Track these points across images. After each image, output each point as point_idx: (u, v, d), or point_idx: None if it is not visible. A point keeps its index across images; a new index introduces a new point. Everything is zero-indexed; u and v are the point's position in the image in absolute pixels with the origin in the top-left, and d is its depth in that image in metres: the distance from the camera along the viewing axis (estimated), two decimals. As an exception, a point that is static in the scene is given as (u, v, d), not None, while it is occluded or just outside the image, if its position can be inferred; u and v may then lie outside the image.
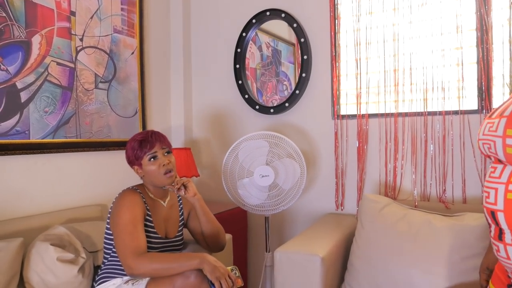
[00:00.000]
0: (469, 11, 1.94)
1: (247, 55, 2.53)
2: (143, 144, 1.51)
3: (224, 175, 2.07)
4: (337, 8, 2.25)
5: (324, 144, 2.29)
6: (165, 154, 1.55)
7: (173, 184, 1.54)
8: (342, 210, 2.24)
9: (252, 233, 2.53)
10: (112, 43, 2.21)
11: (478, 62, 1.92)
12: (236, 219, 2.36)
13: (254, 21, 2.46)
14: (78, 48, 2.02)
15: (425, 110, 2.02)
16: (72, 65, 1.98)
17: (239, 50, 2.51)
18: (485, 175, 1.89)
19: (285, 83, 2.48)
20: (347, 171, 2.22)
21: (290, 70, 2.47)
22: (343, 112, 2.25)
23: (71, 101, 1.97)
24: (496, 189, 0.88)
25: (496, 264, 1.03)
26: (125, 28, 2.29)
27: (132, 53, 2.34)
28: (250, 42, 2.52)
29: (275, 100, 2.47)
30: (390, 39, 2.11)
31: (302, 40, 2.31)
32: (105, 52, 2.16)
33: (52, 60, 1.88)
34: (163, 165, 1.50)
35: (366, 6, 2.16)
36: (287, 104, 2.37)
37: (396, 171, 2.09)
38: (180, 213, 1.67)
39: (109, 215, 1.48)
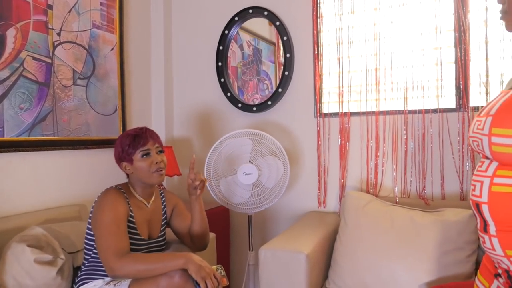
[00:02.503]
0: (448, 12, 1.99)
1: (229, 54, 2.52)
2: (136, 140, 1.47)
3: (207, 173, 2.05)
4: (320, 7, 2.26)
5: (307, 142, 2.30)
6: (158, 152, 1.52)
7: (194, 184, 1.54)
8: (324, 207, 2.26)
9: (235, 232, 2.51)
10: (91, 39, 2.15)
11: (456, 62, 1.97)
12: (219, 218, 2.34)
13: (236, 18, 2.45)
14: (56, 43, 1.95)
15: (405, 109, 2.06)
16: (49, 60, 1.91)
17: (221, 47, 2.49)
18: (463, 171, 1.94)
19: (266, 82, 2.48)
20: (329, 169, 2.24)
21: (271, 69, 2.47)
22: (325, 110, 2.27)
23: (48, 97, 1.91)
24: (481, 182, 0.90)
25: (484, 255, 1.05)
26: (104, 23, 2.23)
27: (112, 49, 2.28)
28: (232, 40, 2.51)
29: (256, 99, 2.46)
30: (371, 39, 2.14)
31: (285, 38, 2.32)
32: (83, 47, 2.10)
33: (28, 55, 1.81)
34: (156, 163, 1.47)
35: (348, 5, 2.18)
36: (269, 103, 2.36)
37: (377, 168, 2.12)
38: (163, 212, 1.63)
39: (90, 215, 1.43)
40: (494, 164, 0.89)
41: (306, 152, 2.31)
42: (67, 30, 2.01)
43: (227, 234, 2.44)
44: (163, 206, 1.64)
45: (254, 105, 2.42)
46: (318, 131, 2.25)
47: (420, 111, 2.03)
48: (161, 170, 1.48)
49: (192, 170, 1.56)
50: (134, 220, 1.46)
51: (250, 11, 2.40)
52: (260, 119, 2.43)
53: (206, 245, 1.68)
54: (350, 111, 2.18)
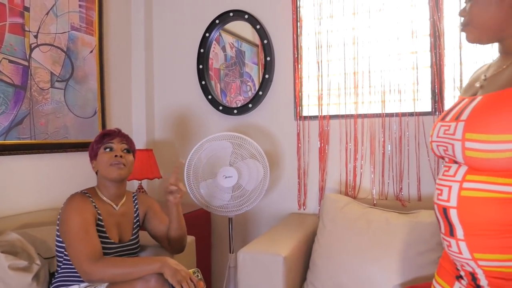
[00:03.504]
0: (423, 17, 2.03)
1: (211, 56, 2.52)
2: (104, 136, 1.52)
3: (187, 176, 2.05)
4: (299, 11, 2.29)
5: (287, 145, 2.32)
6: (123, 150, 1.52)
7: (169, 188, 1.53)
8: (304, 209, 2.28)
9: (216, 234, 2.52)
10: (70, 41, 2.13)
11: (431, 66, 2.01)
12: (200, 221, 2.34)
13: (217, 21, 2.45)
14: (33, 46, 1.93)
15: (383, 112, 2.09)
16: (25, 63, 1.89)
17: (202, 50, 2.49)
18: (438, 173, 1.99)
19: (249, 84, 2.49)
20: (309, 171, 2.26)
21: (254, 71, 2.48)
22: (305, 113, 2.29)
23: (24, 100, 1.88)
24: (450, 187, 0.90)
25: (441, 257, 1.07)
26: (83, 25, 2.21)
27: (91, 51, 2.26)
28: (214, 42, 2.51)
29: (239, 101, 2.47)
30: (350, 43, 2.17)
31: (265, 41, 2.33)
32: (61, 50, 2.08)
33: (3, 58, 1.79)
34: (115, 156, 1.47)
35: (327, 9, 2.21)
36: (250, 105, 2.38)
37: (356, 170, 2.15)
38: (135, 215, 1.62)
39: (58, 222, 1.42)
40: (463, 168, 0.90)
41: (286, 155, 2.33)
42: (45, 32, 1.99)
43: (208, 236, 2.44)
44: (135, 209, 1.62)
45: (235, 108, 2.43)
46: (298, 134, 2.27)
47: (397, 115, 2.07)
48: (119, 164, 1.46)
49: (174, 175, 1.56)
50: (103, 223, 1.45)
51: (231, 14, 2.41)
52: (241, 122, 2.44)
53: (184, 248, 1.68)
54: (329, 114, 2.21)
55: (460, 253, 0.91)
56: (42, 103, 1.97)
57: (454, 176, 0.91)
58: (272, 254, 1.59)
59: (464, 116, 0.89)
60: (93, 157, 1.54)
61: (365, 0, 2.13)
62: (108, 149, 1.50)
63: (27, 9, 1.90)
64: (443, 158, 0.99)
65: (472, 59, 1.94)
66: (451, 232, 0.92)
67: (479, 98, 0.90)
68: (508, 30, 0.89)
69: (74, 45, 2.16)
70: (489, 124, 0.82)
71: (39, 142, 1.95)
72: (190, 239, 1.87)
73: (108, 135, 1.52)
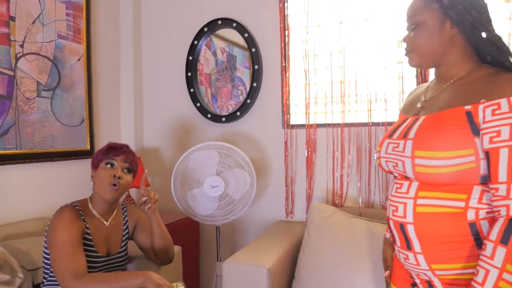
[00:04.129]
0: (409, 27, 2.04)
1: (201, 61, 2.53)
2: (110, 150, 1.50)
3: (174, 185, 2.05)
4: (287, 19, 2.29)
5: (275, 153, 2.33)
6: (124, 170, 1.51)
7: (140, 199, 1.53)
8: (292, 217, 2.29)
9: (204, 243, 2.52)
10: (56, 49, 2.13)
11: (417, 76, 2.03)
12: (188, 229, 2.35)
13: (206, 29, 2.46)
14: (18, 55, 1.92)
15: (369, 121, 2.11)
16: (11, 72, 1.88)
17: (190, 58, 2.50)
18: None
19: (240, 88, 2.49)
20: (296, 180, 2.27)
21: (245, 75, 2.48)
22: (292, 121, 2.30)
23: (10, 110, 1.88)
24: (405, 204, 0.97)
25: (393, 265, 1.13)
26: (70, 33, 2.21)
27: (79, 59, 2.26)
28: (204, 47, 2.51)
29: (230, 106, 2.47)
30: (337, 52, 2.18)
31: (253, 50, 2.34)
32: (48, 58, 2.08)
33: (-12, 68, 1.78)
34: (114, 175, 1.46)
35: (314, 18, 2.22)
36: (238, 113, 2.38)
37: (343, 179, 2.16)
38: (125, 227, 1.62)
39: (46, 233, 1.42)
40: (414, 185, 0.97)
41: (274, 163, 2.34)
42: (31, 41, 1.98)
43: (196, 245, 2.45)
44: (124, 221, 1.63)
45: (223, 116, 2.43)
46: (286, 142, 2.28)
47: (383, 124, 2.08)
48: (115, 185, 1.45)
49: (142, 186, 1.56)
50: (90, 237, 1.45)
51: (219, 22, 2.42)
52: (229, 130, 2.45)
53: (171, 259, 1.68)
54: (317, 122, 2.22)
55: (418, 264, 0.97)
56: (28, 113, 1.96)
57: (407, 193, 0.97)
58: (256, 266, 1.60)
59: (411, 135, 0.97)
60: (94, 166, 1.51)
61: (351, 9, 2.14)
62: (109, 165, 1.47)
63: (12, 18, 1.89)
64: (391, 173, 1.06)
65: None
66: (408, 245, 0.97)
67: (422, 118, 0.99)
68: (445, 58, 1.00)
69: (61, 53, 2.15)
70: (435, 142, 0.91)
71: (25, 152, 1.94)
72: (177, 249, 1.87)
73: (114, 150, 1.49)
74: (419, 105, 1.06)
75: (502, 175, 0.84)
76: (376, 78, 2.10)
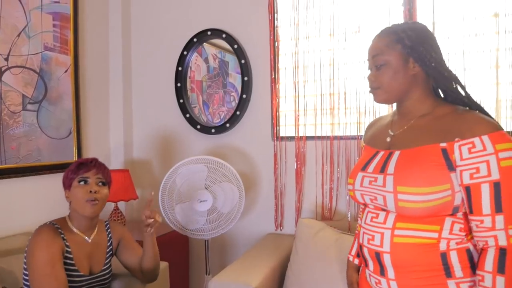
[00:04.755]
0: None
1: (193, 68, 2.51)
2: (79, 167, 1.46)
3: (162, 199, 2.03)
4: (277, 31, 2.28)
5: (264, 166, 2.32)
6: (99, 183, 1.49)
7: (146, 221, 1.51)
8: (281, 230, 2.28)
9: (194, 255, 2.50)
10: (43, 62, 2.10)
11: (406, 90, 2.02)
12: (177, 242, 2.33)
13: (195, 40, 2.44)
14: (3, 69, 1.90)
15: (358, 134, 2.10)
16: (-5, 86, 1.86)
17: (180, 68, 2.48)
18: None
19: (232, 94, 2.47)
20: (286, 192, 2.26)
21: (237, 81, 2.45)
22: (282, 133, 2.29)
23: (-6, 125, 1.85)
24: (382, 233, 1.01)
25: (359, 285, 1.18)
26: (57, 45, 2.18)
27: (66, 71, 2.24)
28: (196, 54, 2.49)
29: (222, 112, 2.45)
30: (326, 64, 2.17)
31: (243, 61, 2.33)
32: (34, 71, 2.05)
33: (-29, 83, 1.76)
34: (90, 191, 1.44)
35: (304, 30, 2.21)
36: (228, 125, 2.37)
37: (332, 192, 2.15)
38: (109, 244, 1.60)
39: (25, 254, 1.40)
40: (391, 216, 1.01)
41: (263, 175, 2.32)
42: (16, 54, 1.96)
43: (185, 258, 2.43)
44: (108, 238, 1.60)
45: (212, 127, 2.42)
46: (275, 155, 2.27)
47: (372, 137, 2.07)
48: (94, 201, 1.43)
49: (148, 207, 1.54)
50: (71, 256, 1.42)
51: (209, 33, 2.40)
52: (218, 141, 2.43)
53: (157, 276, 1.66)
54: (306, 135, 2.21)
55: None
56: (13, 127, 1.94)
57: (385, 224, 1.01)
58: (242, 284, 1.58)
59: (390, 170, 1.01)
60: (67, 186, 1.48)
61: (341, 22, 2.14)
62: (82, 182, 1.45)
63: (-3, 31, 1.87)
64: (366, 205, 1.09)
65: (445, 83, 1.96)
66: (382, 272, 1.03)
67: (397, 153, 1.03)
68: (409, 94, 1.06)
69: (47, 65, 2.13)
70: (417, 178, 0.96)
71: (10, 166, 1.92)
72: (164, 265, 1.86)
73: (84, 166, 1.47)
74: (388, 139, 1.10)
75: (486, 208, 0.91)
76: (366, 90, 2.09)
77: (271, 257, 1.89)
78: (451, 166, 0.95)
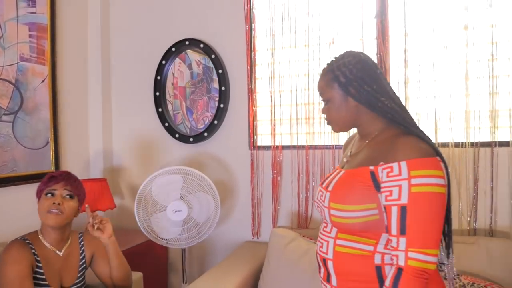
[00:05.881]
0: (371, 52, 2.07)
1: (176, 74, 2.52)
2: (50, 179, 1.49)
3: (137, 209, 2.05)
4: (254, 41, 2.31)
5: (242, 174, 2.34)
6: (66, 196, 1.50)
7: (90, 223, 1.51)
8: (258, 238, 2.30)
9: (173, 264, 2.51)
10: (18, 72, 2.10)
11: (378, 100, 2.06)
12: (155, 251, 2.34)
13: (173, 49, 2.46)
14: (-23, 80, 1.90)
15: (333, 144, 2.13)
16: (-31, 98, 1.86)
17: (159, 77, 2.49)
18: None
19: (216, 99, 2.49)
20: (262, 201, 2.29)
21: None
22: (259, 143, 2.31)
23: (-32, 137, 1.85)
24: (327, 242, 1.09)
25: None
26: (34, 55, 2.19)
27: (43, 81, 2.24)
28: (179, 60, 2.51)
29: (207, 117, 2.46)
30: (301, 74, 2.20)
31: (220, 71, 2.35)
32: (9, 82, 2.05)
33: None
34: (53, 203, 1.45)
35: (280, 41, 2.24)
36: (206, 134, 2.39)
37: (308, 201, 2.18)
38: (81, 257, 1.61)
39: None
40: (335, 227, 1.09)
41: (241, 184, 2.34)
42: (-10, 66, 1.96)
43: (164, 266, 2.44)
44: (81, 251, 1.61)
45: (190, 136, 2.43)
46: (252, 164, 2.29)
47: (346, 147, 2.10)
48: (56, 212, 1.44)
49: (89, 217, 1.55)
50: (42, 271, 1.43)
51: (187, 42, 2.42)
52: (196, 150, 2.45)
53: (130, 287, 1.68)
54: (282, 144, 2.23)
55: None
56: (-13, 138, 1.94)
57: (330, 233, 1.09)
58: (213, 295, 1.60)
59: (330, 187, 1.10)
60: (38, 197, 1.50)
61: (315, 33, 2.17)
62: (49, 194, 1.47)
63: (-30, 43, 1.87)
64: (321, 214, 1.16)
65: (415, 94, 2.00)
66: (328, 278, 1.10)
67: (342, 172, 1.12)
68: (358, 121, 1.13)
69: (23, 76, 2.13)
70: (345, 196, 1.04)
71: (-16, 178, 1.92)
72: (137, 275, 1.87)
73: (54, 178, 1.49)
74: (345, 159, 1.19)
75: (394, 229, 0.96)
76: (340, 101, 2.11)
77: (245, 266, 1.91)
78: (378, 187, 1.01)
